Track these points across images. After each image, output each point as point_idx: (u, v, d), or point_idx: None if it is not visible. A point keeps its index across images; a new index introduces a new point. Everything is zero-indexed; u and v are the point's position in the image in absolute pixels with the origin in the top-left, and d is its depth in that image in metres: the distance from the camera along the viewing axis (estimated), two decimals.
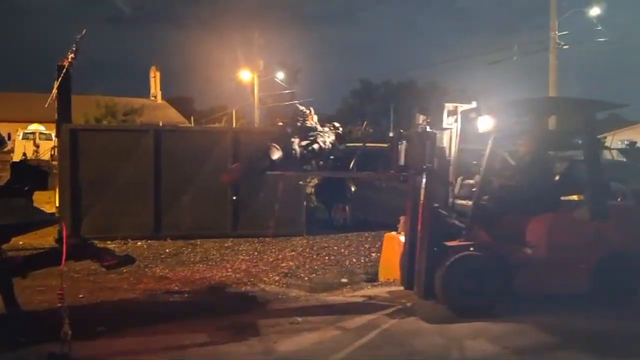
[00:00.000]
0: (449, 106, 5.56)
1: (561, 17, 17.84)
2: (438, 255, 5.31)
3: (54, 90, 8.58)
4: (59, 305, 3.95)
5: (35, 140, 23.41)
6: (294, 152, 5.27)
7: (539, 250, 5.40)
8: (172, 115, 40.43)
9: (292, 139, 5.30)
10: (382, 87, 38.62)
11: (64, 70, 8.50)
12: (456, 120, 5.54)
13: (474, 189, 5.61)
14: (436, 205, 5.50)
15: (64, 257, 4.03)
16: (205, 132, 11.04)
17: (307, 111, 5.52)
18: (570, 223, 5.54)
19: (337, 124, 5.74)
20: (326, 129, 5.58)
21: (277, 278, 6.81)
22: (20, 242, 8.47)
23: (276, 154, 5.22)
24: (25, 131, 24.52)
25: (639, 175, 10.94)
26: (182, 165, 9.09)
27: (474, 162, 5.61)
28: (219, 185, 9.36)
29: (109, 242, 8.67)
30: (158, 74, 43.30)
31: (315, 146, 5.37)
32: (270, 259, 7.83)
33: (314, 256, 8.07)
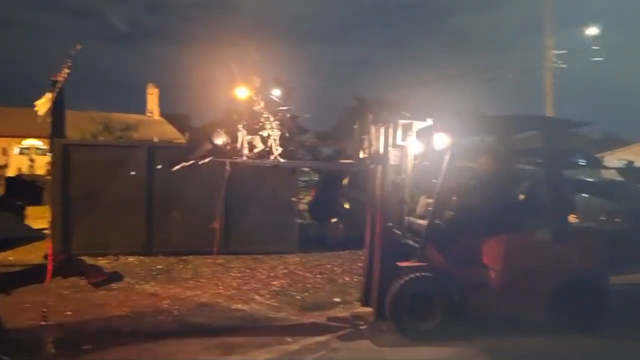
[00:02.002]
0: (403, 122, 5.45)
1: (557, 36, 17.98)
2: (390, 275, 5.19)
3: (48, 105, 8.55)
4: (42, 323, 3.88)
5: (30, 155, 23.36)
6: (240, 138, 5.06)
7: (495, 272, 5.23)
8: (169, 132, 40.43)
9: (238, 125, 5.08)
10: (375, 104, 38.64)
11: (58, 85, 8.49)
12: (410, 137, 5.47)
13: (429, 208, 5.48)
14: (390, 224, 5.40)
15: (48, 274, 3.97)
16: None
17: (255, 97, 5.31)
18: (529, 244, 5.34)
19: (296, 115, 5.56)
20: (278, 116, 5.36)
21: (268, 296, 6.73)
22: (10, 258, 8.38)
23: (219, 139, 4.99)
24: (21, 146, 24.46)
25: (637, 195, 10.95)
26: (175, 181, 9.04)
27: (434, 181, 5.43)
28: (211, 202, 9.32)
29: (100, 257, 8.59)
30: (155, 91, 43.49)
31: (264, 133, 5.18)
32: (262, 277, 7.75)
33: (307, 274, 7.99)
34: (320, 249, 9.69)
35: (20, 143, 24.87)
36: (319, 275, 7.90)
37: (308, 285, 7.32)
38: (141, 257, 8.83)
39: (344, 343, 5.12)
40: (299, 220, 9.92)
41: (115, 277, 4.71)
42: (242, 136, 5.05)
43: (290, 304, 6.42)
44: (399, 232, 5.47)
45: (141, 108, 43.97)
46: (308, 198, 12.84)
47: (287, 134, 5.19)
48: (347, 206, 10.47)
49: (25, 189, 14.72)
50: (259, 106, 5.25)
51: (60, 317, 5.65)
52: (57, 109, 8.75)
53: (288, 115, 5.40)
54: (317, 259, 8.98)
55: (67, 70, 8.70)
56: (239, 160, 5.20)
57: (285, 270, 8.16)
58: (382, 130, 5.45)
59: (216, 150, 5.04)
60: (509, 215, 5.47)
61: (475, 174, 6.40)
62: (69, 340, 4.98)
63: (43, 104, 8.78)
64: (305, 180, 14.71)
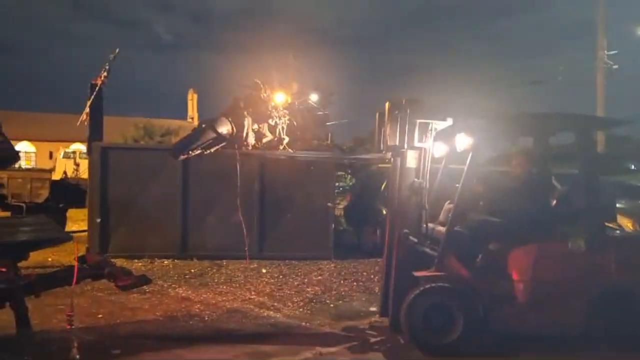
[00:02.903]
0: (420, 122, 5.08)
1: (609, 36, 17.17)
2: (406, 285, 4.85)
3: (86, 109, 8.68)
4: (68, 327, 3.81)
5: (75, 159, 24.10)
6: (245, 128, 4.80)
7: (523, 284, 4.76)
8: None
9: (245, 113, 4.82)
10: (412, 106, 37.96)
11: (97, 89, 8.60)
12: (428, 138, 5.11)
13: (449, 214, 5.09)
14: (406, 231, 5.06)
15: (75, 277, 3.90)
16: (233, 153, 10.89)
17: (259, 83, 5.03)
18: (562, 254, 4.83)
19: (313, 106, 5.27)
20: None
21: (301, 304, 6.52)
22: (49, 259, 8.52)
23: (223, 127, 4.76)
24: (67, 150, 25.28)
25: None
26: (210, 185, 8.99)
27: (457, 185, 5.01)
28: (245, 206, 9.21)
29: (136, 260, 8.65)
30: (195, 97, 44.40)
31: (271, 122, 4.92)
32: (296, 283, 7.56)
33: (342, 281, 7.74)
34: (356, 256, 9.39)
35: (66, 147, 25.72)
36: (354, 283, 7.63)
37: (343, 294, 7.07)
38: (176, 261, 8.81)
39: (355, 355, 4.82)
40: (334, 226, 9.67)
41: (144, 280, 4.60)
42: (248, 124, 4.81)
43: (323, 312, 6.19)
44: (415, 240, 5.13)
45: (183, 114, 44.97)
46: (344, 203, 12.59)
47: (295, 123, 4.92)
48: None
49: (69, 192, 15.13)
50: (265, 93, 5.01)
51: (92, 320, 5.64)
52: (95, 113, 8.87)
53: (297, 103, 5.15)
54: (352, 267, 8.71)
55: (105, 74, 8.82)
56: (248, 151, 4.99)
57: (319, 277, 7.94)
58: (398, 125, 5.09)
59: (220, 139, 4.82)
60: (541, 222, 5.00)
61: (504, 178, 6.00)
62: (99, 344, 4.93)
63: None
64: (342, 185, 14.48)
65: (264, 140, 5.02)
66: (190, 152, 4.88)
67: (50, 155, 29.00)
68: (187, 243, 9.15)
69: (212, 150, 4.98)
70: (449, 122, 5.13)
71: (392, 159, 5.25)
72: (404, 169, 5.14)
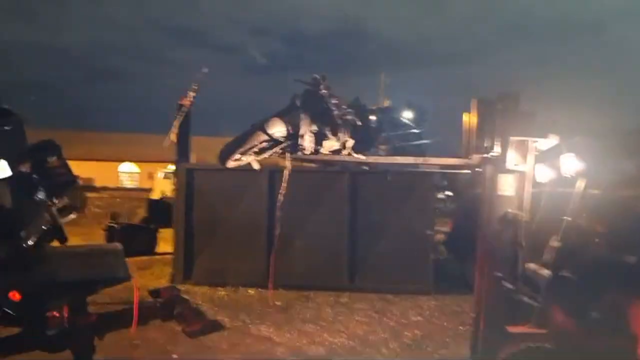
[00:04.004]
0: (515, 141, 4.10)
1: None
2: (499, 340, 3.97)
3: (174, 129, 8.45)
4: None
5: (173, 179, 24.95)
6: (302, 128, 4.08)
7: None
8: None
9: (301, 114, 4.12)
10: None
11: (184, 109, 8.36)
12: (527, 160, 4.13)
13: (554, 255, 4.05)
14: (498, 274, 4.11)
15: (134, 323, 3.33)
16: (321, 173, 10.27)
17: (318, 78, 4.29)
18: None
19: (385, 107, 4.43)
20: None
21: (399, 350, 5.62)
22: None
23: (275, 128, 4.08)
24: (165, 170, 26.24)
25: None
26: (298, 207, 8.32)
27: (565, 217, 4.03)
28: (335, 231, 8.48)
29: (220, 288, 8.19)
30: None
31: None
32: (391, 323, 6.60)
33: (445, 323, 6.67)
34: (460, 290, 8.11)
35: (164, 167, 26.72)
36: (460, 326, 6.51)
37: (447, 340, 6.01)
38: (261, 290, 8.20)
39: None
40: (434, 256, 8.59)
41: (215, 327, 3.98)
42: (305, 125, 4.12)
43: None
44: (510, 285, 4.14)
45: None
46: (445, 229, 11.39)
47: (360, 123, 4.21)
48: None
49: (164, 212, 15.39)
50: (325, 90, 4.29)
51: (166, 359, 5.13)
52: (182, 133, 8.64)
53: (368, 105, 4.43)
54: (457, 304, 7.55)
55: (192, 94, 8.56)
56: (302, 156, 4.33)
57: (418, 317, 6.91)
58: (486, 128, 4.26)
59: (274, 142, 4.18)
60: None
61: (628, 207, 4.69)
62: None
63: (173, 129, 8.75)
64: (439, 207, 13.23)
65: (326, 144, 4.32)
66: (240, 157, 4.33)
67: (149, 176, 30.45)
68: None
69: (267, 155, 4.42)
70: (553, 140, 4.18)
71: (479, 168, 4.44)
72: (494, 195, 4.22)
